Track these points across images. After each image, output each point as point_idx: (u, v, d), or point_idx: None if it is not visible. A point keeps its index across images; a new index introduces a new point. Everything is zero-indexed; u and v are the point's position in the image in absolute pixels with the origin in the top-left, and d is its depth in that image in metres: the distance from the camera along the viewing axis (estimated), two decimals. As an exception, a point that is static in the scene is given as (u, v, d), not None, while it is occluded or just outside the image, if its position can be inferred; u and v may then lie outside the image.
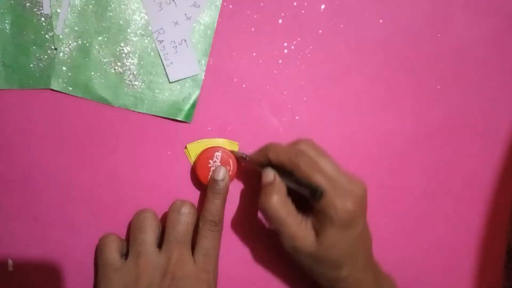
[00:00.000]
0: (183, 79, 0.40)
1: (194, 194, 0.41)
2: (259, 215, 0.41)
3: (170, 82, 0.40)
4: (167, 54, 0.40)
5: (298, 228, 0.33)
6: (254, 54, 0.41)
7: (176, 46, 0.40)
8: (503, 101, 0.42)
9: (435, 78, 0.42)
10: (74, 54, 0.40)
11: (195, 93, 0.41)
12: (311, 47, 0.41)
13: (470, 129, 0.42)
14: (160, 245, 0.37)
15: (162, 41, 0.40)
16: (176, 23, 0.40)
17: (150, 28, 0.40)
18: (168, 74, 0.40)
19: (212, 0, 0.40)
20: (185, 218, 0.37)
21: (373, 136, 0.42)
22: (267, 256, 0.41)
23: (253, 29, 0.41)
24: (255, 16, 0.41)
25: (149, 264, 0.35)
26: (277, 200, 0.33)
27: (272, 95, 0.41)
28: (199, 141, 0.40)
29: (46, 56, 0.40)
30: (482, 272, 0.42)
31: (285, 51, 0.41)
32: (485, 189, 0.43)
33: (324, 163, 0.34)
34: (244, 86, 0.41)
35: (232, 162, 0.39)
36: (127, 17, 0.40)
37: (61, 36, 0.40)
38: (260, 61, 0.41)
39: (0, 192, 0.41)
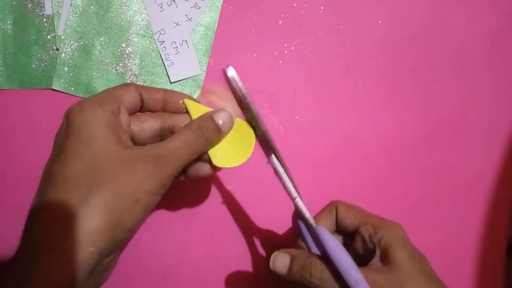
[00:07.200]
0: (184, 79, 0.41)
1: (195, 194, 0.41)
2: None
3: (171, 83, 0.41)
4: (168, 54, 0.40)
5: None
6: (254, 54, 0.41)
7: (177, 47, 0.40)
8: (503, 101, 0.42)
9: (434, 78, 0.42)
10: (75, 54, 0.40)
11: (196, 93, 0.41)
12: (311, 48, 0.41)
13: (470, 128, 0.42)
14: None
15: (163, 41, 0.40)
16: (177, 24, 0.40)
17: (151, 29, 0.40)
18: (169, 74, 0.41)
19: (212, 1, 0.41)
20: None
21: (373, 136, 0.42)
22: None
23: (253, 30, 0.41)
24: (255, 17, 0.41)
25: None
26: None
27: (272, 95, 0.41)
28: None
29: (47, 57, 0.40)
30: (482, 272, 0.42)
31: (285, 51, 0.41)
32: (485, 189, 0.43)
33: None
34: (244, 86, 0.41)
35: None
36: (128, 18, 0.40)
37: (62, 37, 0.40)
38: (261, 62, 0.41)
39: (0, 192, 0.41)
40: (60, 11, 0.40)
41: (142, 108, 0.31)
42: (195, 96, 0.41)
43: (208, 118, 0.29)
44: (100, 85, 0.40)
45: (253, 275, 0.41)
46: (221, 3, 0.41)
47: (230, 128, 0.30)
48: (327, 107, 0.42)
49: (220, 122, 0.29)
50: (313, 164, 0.41)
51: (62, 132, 0.27)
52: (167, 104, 0.31)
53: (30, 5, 0.40)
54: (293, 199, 0.30)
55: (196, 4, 0.40)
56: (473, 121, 0.42)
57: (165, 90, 0.31)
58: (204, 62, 0.41)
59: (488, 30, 0.42)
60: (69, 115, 0.27)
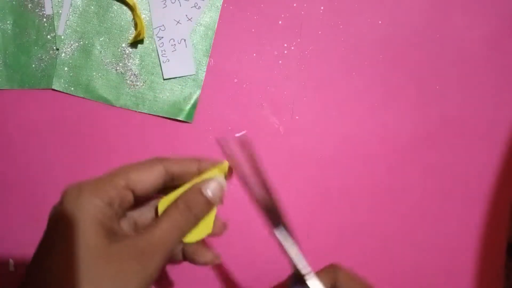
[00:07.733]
0: (177, 77, 0.41)
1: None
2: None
3: (164, 79, 0.41)
4: (164, 51, 0.40)
5: None
6: (254, 54, 0.41)
7: (175, 45, 0.40)
8: (503, 101, 0.42)
9: (434, 78, 0.42)
10: (75, 54, 0.40)
11: (196, 93, 0.41)
12: (311, 48, 0.41)
13: (470, 129, 0.42)
14: None
15: (162, 37, 0.40)
16: (178, 22, 0.40)
17: (151, 28, 0.40)
18: (163, 70, 0.40)
19: (212, 1, 0.41)
20: None
21: (373, 136, 0.42)
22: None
23: (253, 30, 0.41)
24: (255, 17, 0.41)
25: None
26: None
27: (272, 95, 0.41)
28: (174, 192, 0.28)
29: (47, 57, 0.40)
30: (482, 272, 0.42)
31: (285, 51, 0.41)
32: (485, 189, 0.43)
33: None
34: (244, 86, 0.41)
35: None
36: (128, 18, 0.40)
37: (62, 37, 0.40)
38: (261, 62, 0.41)
39: (0, 192, 0.41)
40: (60, 11, 0.40)
41: (171, 182, 0.29)
42: (195, 96, 0.41)
43: (196, 191, 0.27)
44: (100, 85, 0.40)
45: (253, 275, 0.41)
46: (221, 3, 0.41)
47: (221, 198, 0.28)
48: (327, 107, 0.42)
49: (210, 194, 0.27)
50: (313, 164, 0.41)
51: (57, 212, 0.26)
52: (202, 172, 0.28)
53: (30, 5, 0.40)
54: (304, 275, 0.28)
55: (196, 4, 0.40)
56: (473, 121, 0.42)
57: (199, 161, 0.29)
58: (204, 62, 0.41)
59: (488, 30, 0.42)
60: (64, 199, 0.25)
